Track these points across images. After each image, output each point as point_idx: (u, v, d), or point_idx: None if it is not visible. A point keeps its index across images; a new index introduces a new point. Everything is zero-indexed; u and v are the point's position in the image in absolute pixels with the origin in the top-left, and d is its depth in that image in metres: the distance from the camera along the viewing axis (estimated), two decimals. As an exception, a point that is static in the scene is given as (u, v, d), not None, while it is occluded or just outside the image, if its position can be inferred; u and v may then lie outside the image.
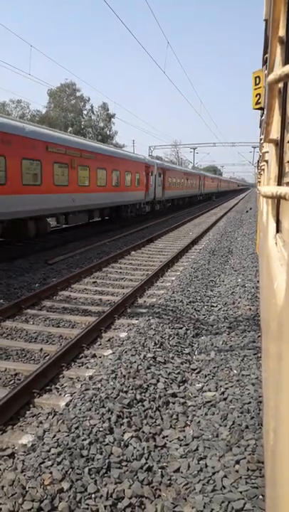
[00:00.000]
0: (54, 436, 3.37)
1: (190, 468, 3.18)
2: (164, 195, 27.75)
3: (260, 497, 2.78)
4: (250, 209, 32.11)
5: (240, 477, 2.99)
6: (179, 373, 4.77)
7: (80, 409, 3.73)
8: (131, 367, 4.57)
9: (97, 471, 3.02)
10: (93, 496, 2.83)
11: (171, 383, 4.51)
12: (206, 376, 4.75)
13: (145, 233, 17.48)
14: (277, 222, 1.83)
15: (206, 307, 7.41)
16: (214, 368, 4.90)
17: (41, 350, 5.44)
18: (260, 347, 4.78)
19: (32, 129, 12.22)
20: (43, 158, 12.41)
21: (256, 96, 7.82)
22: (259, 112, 8.94)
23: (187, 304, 7.27)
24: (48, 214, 13.38)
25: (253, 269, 10.06)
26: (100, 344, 5.74)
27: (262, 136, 6.56)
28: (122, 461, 3.19)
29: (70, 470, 2.98)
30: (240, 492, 2.85)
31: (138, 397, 4.05)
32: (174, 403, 4.16)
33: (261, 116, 8.61)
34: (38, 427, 3.70)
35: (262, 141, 6.30)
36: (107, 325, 6.33)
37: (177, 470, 3.20)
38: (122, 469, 3.11)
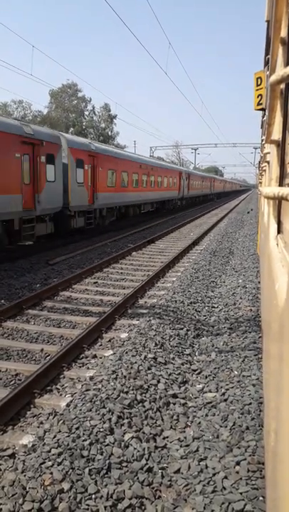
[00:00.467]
0: (54, 436, 3.37)
1: (190, 469, 3.17)
2: (188, 194, 37.43)
3: (261, 498, 2.77)
4: (252, 210, 32.10)
5: (241, 478, 2.99)
6: (179, 374, 4.77)
7: (80, 410, 3.73)
8: (132, 367, 4.57)
9: (97, 472, 3.02)
10: (93, 496, 2.83)
11: (171, 384, 4.51)
12: (206, 377, 4.74)
13: (146, 234, 17.48)
14: (279, 223, 1.82)
15: (206, 308, 7.40)
16: (215, 368, 4.89)
17: (42, 350, 5.45)
18: (261, 348, 4.77)
19: (135, 156, 24.05)
20: (140, 172, 22.60)
21: (258, 97, 7.82)
22: (260, 112, 8.95)
23: (188, 305, 7.27)
24: (142, 203, 24.04)
25: (254, 270, 10.05)
26: (101, 345, 5.74)
27: (263, 137, 6.56)
28: (123, 462, 3.19)
29: (71, 470, 2.98)
30: (241, 493, 2.84)
31: (138, 397, 4.05)
32: (174, 404, 4.15)
33: (263, 117, 8.62)
34: (38, 427, 3.70)
35: (263, 142, 6.31)
36: (108, 325, 6.33)
37: (177, 471, 3.19)
38: (123, 470, 3.11)
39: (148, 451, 3.35)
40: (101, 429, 3.47)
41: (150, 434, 3.61)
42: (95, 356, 5.30)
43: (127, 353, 4.99)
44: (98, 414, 3.67)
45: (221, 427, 3.64)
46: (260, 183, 7.53)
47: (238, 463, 3.13)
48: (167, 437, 3.65)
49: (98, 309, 7.18)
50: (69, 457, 3.09)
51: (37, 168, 11.76)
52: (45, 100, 73.89)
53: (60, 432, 3.43)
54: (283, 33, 1.46)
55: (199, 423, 3.79)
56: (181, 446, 3.50)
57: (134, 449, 3.34)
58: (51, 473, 2.94)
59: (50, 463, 3.03)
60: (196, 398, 4.31)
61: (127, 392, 4.08)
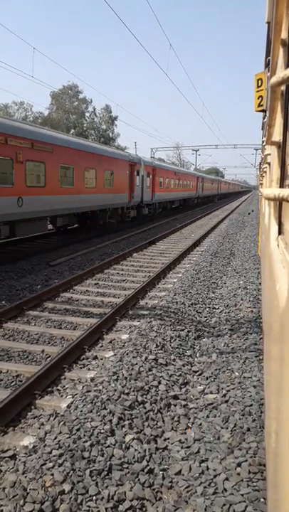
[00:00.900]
0: (55, 437, 3.37)
1: (191, 471, 3.17)
2: (202, 194, 45.88)
3: (262, 500, 2.77)
4: (252, 211, 32.11)
5: (242, 480, 2.99)
6: (180, 375, 4.77)
7: (81, 411, 3.73)
8: (132, 369, 4.57)
9: (98, 473, 3.02)
10: (94, 498, 2.83)
11: (172, 385, 4.50)
12: (207, 378, 4.74)
13: (147, 235, 17.48)
14: (280, 224, 1.82)
15: (207, 309, 7.40)
16: (216, 370, 4.89)
17: (43, 351, 5.45)
18: (262, 349, 4.77)
19: (171, 167, 32.81)
20: (174, 178, 30.81)
21: (258, 98, 7.82)
22: (261, 113, 8.94)
23: (189, 306, 7.26)
24: (174, 200, 32.82)
25: (255, 271, 10.05)
26: (102, 346, 5.73)
27: (264, 139, 6.56)
28: (124, 463, 3.18)
29: (72, 472, 2.98)
30: (242, 495, 2.84)
31: (139, 399, 4.05)
32: (175, 405, 4.15)
33: (263, 119, 8.62)
34: (39, 428, 3.70)
35: (264, 144, 6.31)
36: (109, 327, 6.33)
37: (178, 472, 3.19)
38: (124, 471, 3.10)
39: (149, 453, 3.34)
40: (102, 431, 3.47)
41: (151, 435, 3.61)
42: (95, 357, 5.30)
43: (127, 354, 4.99)
44: (99, 415, 3.67)
45: (222, 428, 3.64)
46: (261, 184, 7.53)
47: (239, 464, 3.13)
48: (168, 439, 3.65)
49: (99, 310, 7.18)
50: (70, 458, 3.09)
51: (132, 178, 21.13)
52: (46, 101, 74.12)
53: (60, 433, 3.43)
54: (284, 35, 1.46)
55: (200, 424, 3.78)
56: (182, 448, 3.49)
57: (135, 450, 3.34)
58: (52, 474, 2.94)
59: (51, 464, 3.03)
60: (197, 399, 4.31)
61: (127, 394, 4.08)
